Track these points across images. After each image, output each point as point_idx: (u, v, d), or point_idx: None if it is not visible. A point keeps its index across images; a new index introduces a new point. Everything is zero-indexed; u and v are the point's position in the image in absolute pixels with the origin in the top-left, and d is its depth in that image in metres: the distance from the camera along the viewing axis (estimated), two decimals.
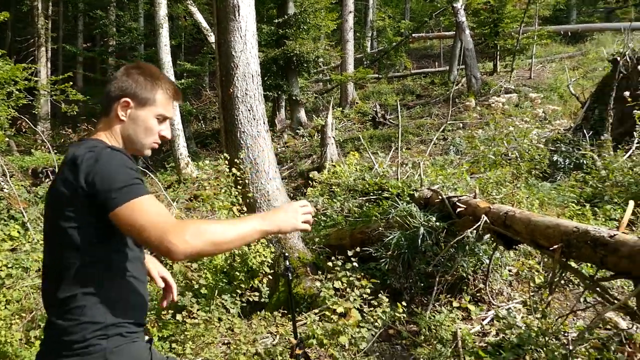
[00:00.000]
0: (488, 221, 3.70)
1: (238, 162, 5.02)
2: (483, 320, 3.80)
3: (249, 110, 5.26)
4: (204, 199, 9.64)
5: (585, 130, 8.44)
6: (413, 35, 21.38)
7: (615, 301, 2.59)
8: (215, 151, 15.59)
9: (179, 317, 3.60)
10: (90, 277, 1.53)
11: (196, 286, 3.99)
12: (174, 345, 3.58)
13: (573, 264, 3.03)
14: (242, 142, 5.22)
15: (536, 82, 15.74)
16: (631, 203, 2.96)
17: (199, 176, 12.34)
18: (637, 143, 6.99)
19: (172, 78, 12.23)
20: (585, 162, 7.34)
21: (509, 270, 4.39)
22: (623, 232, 2.73)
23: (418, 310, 3.97)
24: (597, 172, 6.60)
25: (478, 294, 4.09)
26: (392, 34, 20.54)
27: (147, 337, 1.70)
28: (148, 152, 1.77)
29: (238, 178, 4.92)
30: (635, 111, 5.75)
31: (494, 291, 4.10)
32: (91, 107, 17.93)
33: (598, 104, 8.95)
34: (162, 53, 12.62)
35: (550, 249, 2.94)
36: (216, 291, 4.23)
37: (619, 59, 8.42)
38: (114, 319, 1.53)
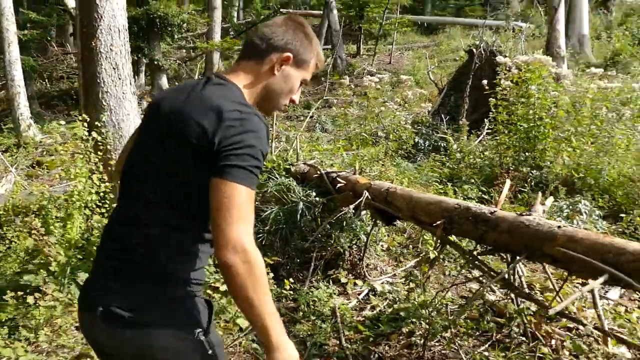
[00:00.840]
0: (369, 197, 3.72)
1: (99, 125, 4.50)
2: (359, 294, 3.84)
3: (114, 69, 4.74)
4: (48, 165, 8.62)
5: (442, 115, 9.03)
6: (281, 9, 21.22)
7: (494, 274, 2.73)
8: (62, 114, 14.09)
9: (30, 299, 3.09)
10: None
11: (54, 264, 3.48)
12: (22, 331, 3.08)
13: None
14: (104, 103, 4.69)
15: (395, 68, 16.52)
16: (508, 182, 3.15)
17: (42, 140, 11.10)
18: (487, 129, 7.61)
19: (14, 27, 10.69)
20: (442, 144, 7.84)
21: (381, 246, 4.50)
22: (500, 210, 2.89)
23: (296, 286, 3.90)
24: (453, 155, 7.08)
25: (354, 270, 4.12)
26: (261, 7, 20.19)
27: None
28: (274, 113, 1.70)
29: (99, 143, 4.41)
30: (491, 99, 6.25)
31: (369, 266, 4.17)
32: None
33: (454, 91, 9.61)
34: None
35: (433, 225, 3.03)
36: (68, 269, 3.73)
37: (475, 50, 9.10)
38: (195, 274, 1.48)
